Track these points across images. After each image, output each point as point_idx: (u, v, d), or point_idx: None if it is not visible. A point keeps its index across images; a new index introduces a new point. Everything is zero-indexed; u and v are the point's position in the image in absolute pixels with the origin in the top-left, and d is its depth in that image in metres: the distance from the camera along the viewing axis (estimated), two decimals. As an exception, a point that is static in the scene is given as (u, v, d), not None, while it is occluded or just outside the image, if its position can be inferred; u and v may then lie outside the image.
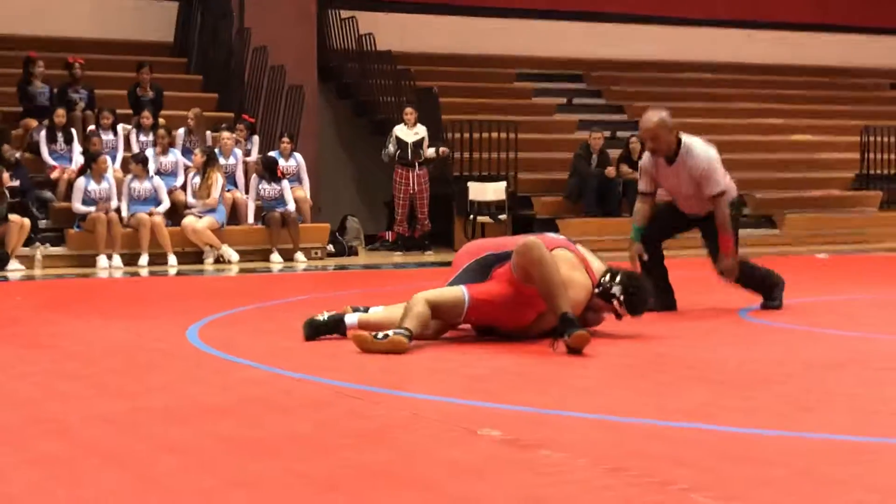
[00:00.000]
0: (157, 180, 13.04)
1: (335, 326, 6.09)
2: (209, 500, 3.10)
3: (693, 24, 20.35)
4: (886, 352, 5.93)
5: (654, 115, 7.16)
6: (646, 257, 7.23)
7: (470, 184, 14.84)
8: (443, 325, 6.07)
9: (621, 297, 6.02)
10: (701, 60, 20.00)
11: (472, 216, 14.74)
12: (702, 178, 7.07)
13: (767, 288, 7.46)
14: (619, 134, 16.84)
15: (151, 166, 13.14)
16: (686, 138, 7.19)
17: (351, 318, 6.11)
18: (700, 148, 7.15)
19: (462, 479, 3.31)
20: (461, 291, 5.86)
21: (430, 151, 14.11)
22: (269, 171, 13.31)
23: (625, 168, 15.17)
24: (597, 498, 3.09)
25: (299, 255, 13.13)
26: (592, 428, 4.02)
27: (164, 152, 13.46)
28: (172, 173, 13.43)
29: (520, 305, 5.91)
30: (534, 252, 5.71)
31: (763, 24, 20.73)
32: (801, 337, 6.47)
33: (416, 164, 14.09)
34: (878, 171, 17.40)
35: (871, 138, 17.41)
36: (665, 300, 7.22)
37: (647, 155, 7.35)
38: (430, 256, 13.78)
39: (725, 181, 7.12)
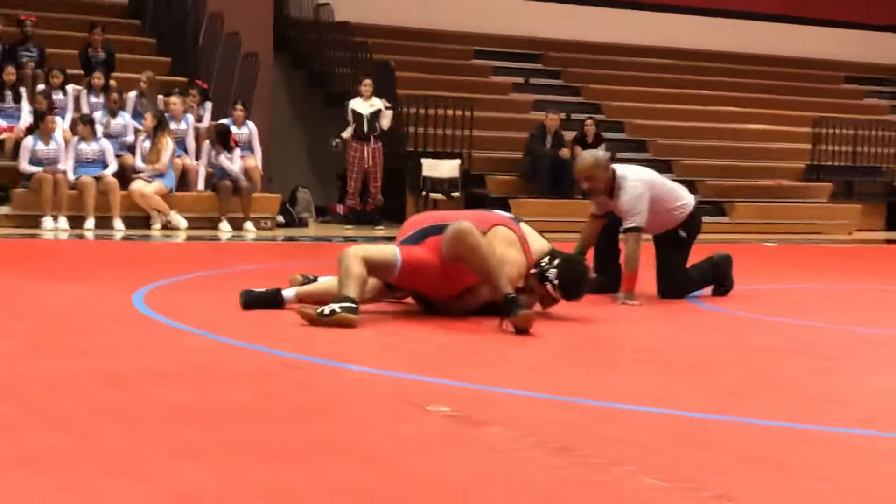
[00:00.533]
0: (105, 142, 12.86)
1: (272, 299, 6.04)
2: (153, 468, 3.05)
3: (653, 9, 20.39)
4: (832, 341, 5.98)
5: (589, 157, 7.21)
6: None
7: (424, 160, 14.79)
8: (380, 288, 6.03)
9: (556, 281, 6.01)
10: (659, 46, 20.05)
11: (424, 192, 14.70)
12: (620, 213, 7.07)
13: (714, 279, 7.50)
14: (575, 116, 16.85)
15: (99, 128, 12.95)
16: (620, 172, 7.13)
17: (288, 293, 6.07)
18: (630, 183, 7.07)
19: (410, 454, 3.28)
20: (394, 252, 5.82)
21: (385, 118, 13.99)
22: (222, 139, 13.18)
23: (579, 150, 15.17)
24: (545, 476, 3.08)
25: (249, 225, 13.02)
26: (541, 407, 4.01)
27: (114, 115, 13.28)
28: (121, 136, 13.25)
29: (446, 278, 5.89)
30: (467, 240, 5.67)
31: (723, 12, 20.82)
32: (750, 324, 6.51)
33: (372, 137, 14.01)
34: (829, 163, 17.55)
35: (823, 130, 17.55)
36: (608, 281, 7.22)
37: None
38: (380, 231, 13.72)
39: (641, 219, 7.03)
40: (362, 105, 13.96)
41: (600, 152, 7.33)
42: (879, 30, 21.85)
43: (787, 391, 4.50)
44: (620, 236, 7.15)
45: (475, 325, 5.82)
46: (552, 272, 6.00)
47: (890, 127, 17.86)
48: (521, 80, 18.44)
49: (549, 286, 6.03)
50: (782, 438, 3.71)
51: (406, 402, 3.93)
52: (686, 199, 7.37)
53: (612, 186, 7.08)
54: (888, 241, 15.70)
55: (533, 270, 6.07)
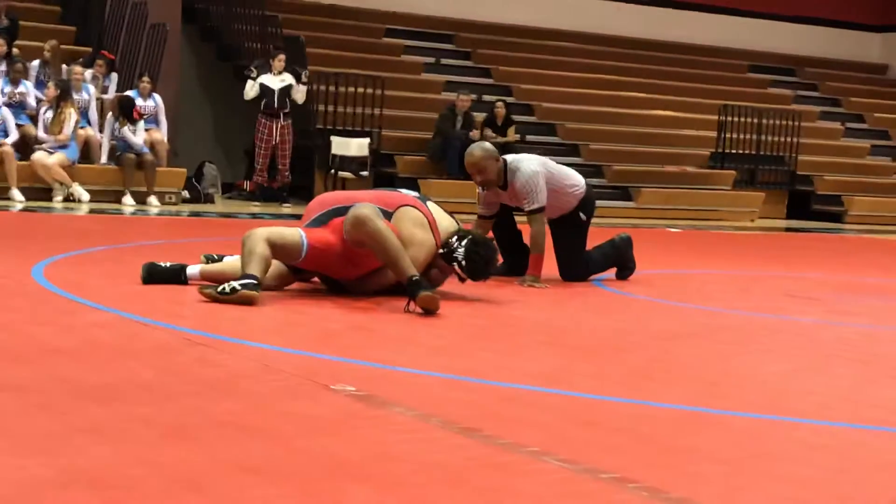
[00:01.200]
0: (6, 111, 12.56)
1: (174, 275, 5.96)
2: (52, 444, 2.99)
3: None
4: (731, 325, 6.08)
5: (478, 149, 7.15)
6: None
7: (333, 138, 14.68)
8: (285, 275, 5.99)
9: (463, 262, 6.02)
10: (570, 30, 20.14)
11: (333, 171, 14.61)
12: (520, 196, 7.09)
13: (616, 261, 7.56)
14: (485, 97, 16.86)
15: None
16: (511, 161, 7.16)
17: (192, 270, 5.99)
18: (524, 165, 7.10)
19: (313, 433, 3.26)
20: (299, 236, 5.77)
21: (299, 92, 13.84)
22: (126, 111, 12.94)
23: (489, 132, 15.21)
24: (449, 457, 3.08)
25: (153, 199, 12.82)
26: (446, 388, 4.01)
27: (16, 83, 12.97)
28: (22, 105, 12.95)
29: (350, 261, 5.87)
30: (366, 226, 5.64)
31: (736, 10, 20.98)
32: (652, 308, 6.58)
33: (282, 113, 13.87)
34: (734, 151, 17.82)
35: (728, 118, 17.81)
36: (513, 262, 7.25)
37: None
38: (287, 208, 13.61)
39: (542, 197, 7.08)
40: (272, 79, 13.81)
41: (488, 143, 7.33)
42: (784, 20, 22.21)
43: (688, 375, 4.57)
44: (526, 219, 7.16)
45: (381, 304, 5.80)
46: (460, 252, 6.01)
47: (793, 116, 18.19)
48: (432, 60, 18.41)
49: (456, 266, 6.04)
50: (683, 421, 3.76)
51: (310, 381, 3.90)
52: (579, 181, 7.41)
53: (504, 176, 7.09)
54: (789, 230, 16.01)
55: (441, 250, 6.06)
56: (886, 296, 7.84)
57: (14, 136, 12.49)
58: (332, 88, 15.06)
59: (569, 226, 7.37)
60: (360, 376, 4.04)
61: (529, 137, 16.40)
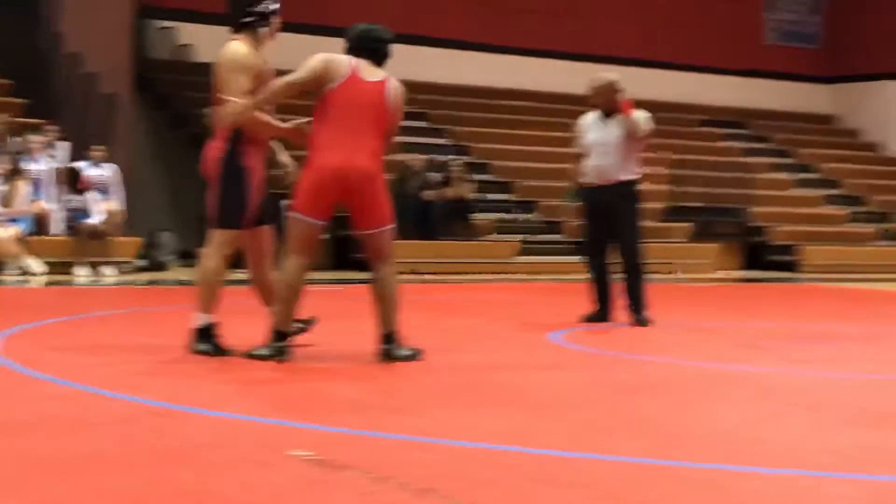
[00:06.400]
0: (-41, 186, 12.52)
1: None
2: (1, 520, 2.96)
3: (516, 52, 20.65)
4: (688, 377, 6.11)
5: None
6: None
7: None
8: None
9: None
10: (523, 89, 20.30)
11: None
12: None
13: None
14: (440, 158, 16.97)
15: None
16: None
17: None
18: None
19: (271, 499, 3.26)
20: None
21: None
22: (71, 181, 12.89)
23: (445, 191, 15.30)
24: (405, 519, 3.08)
25: (107, 269, 12.77)
26: (404, 449, 4.01)
27: (-31, 157, 12.94)
28: (-24, 179, 12.91)
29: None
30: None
31: (584, 56, 21.19)
32: (609, 361, 6.61)
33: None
34: (688, 204, 17.99)
35: (682, 171, 18.00)
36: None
37: None
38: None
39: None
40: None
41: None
42: (734, 74, 22.55)
43: (645, 428, 4.59)
44: None
45: (336, 368, 5.80)
46: None
47: (745, 169, 18.42)
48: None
49: None
50: (640, 474, 3.78)
51: (265, 448, 3.89)
52: None
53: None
54: (745, 280, 16.15)
55: None
56: (837, 342, 7.92)
57: (-34, 209, 12.44)
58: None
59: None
60: (316, 441, 4.03)
61: (490, 196, 16.54)
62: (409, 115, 19.18)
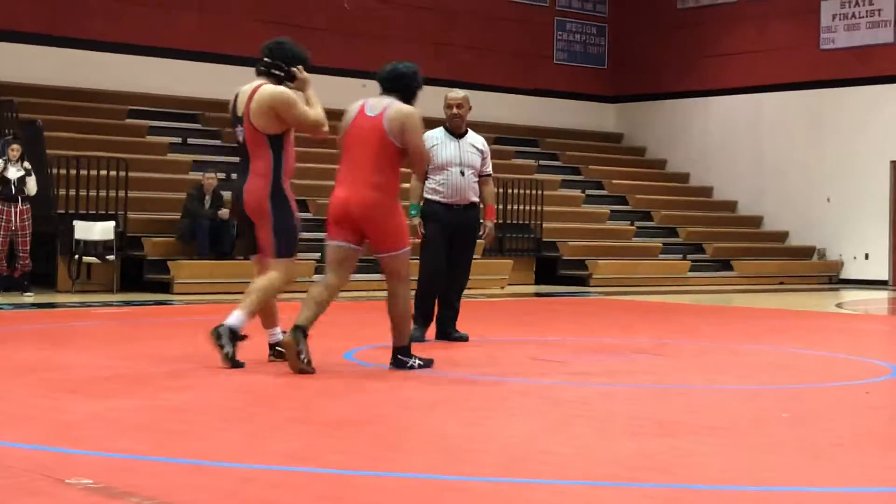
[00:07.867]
0: None
1: None
2: None
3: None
4: (479, 391, 6.19)
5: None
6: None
7: (76, 222, 14.28)
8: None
9: None
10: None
11: (77, 256, 14.20)
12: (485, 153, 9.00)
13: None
14: (234, 175, 16.74)
15: None
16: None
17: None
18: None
19: (43, 531, 3.14)
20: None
21: (30, 182, 13.38)
22: None
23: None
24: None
25: None
26: (187, 473, 3.93)
27: None
28: None
29: None
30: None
31: (481, 86, 21.34)
32: (402, 378, 6.63)
33: (20, 198, 13.39)
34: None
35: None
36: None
37: None
38: (30, 298, 13.11)
39: None
40: (12, 170, 13.33)
41: None
42: (526, 93, 23.05)
43: (434, 443, 4.62)
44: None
45: (123, 391, 5.65)
46: None
47: (537, 185, 18.81)
48: (178, 139, 18.19)
49: None
50: (427, 491, 3.80)
51: (45, 477, 3.76)
52: None
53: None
54: (537, 294, 16.49)
55: None
56: (622, 355, 8.16)
57: None
58: (72, 172, 14.66)
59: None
60: (97, 468, 3.91)
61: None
62: (202, 133, 18.85)
